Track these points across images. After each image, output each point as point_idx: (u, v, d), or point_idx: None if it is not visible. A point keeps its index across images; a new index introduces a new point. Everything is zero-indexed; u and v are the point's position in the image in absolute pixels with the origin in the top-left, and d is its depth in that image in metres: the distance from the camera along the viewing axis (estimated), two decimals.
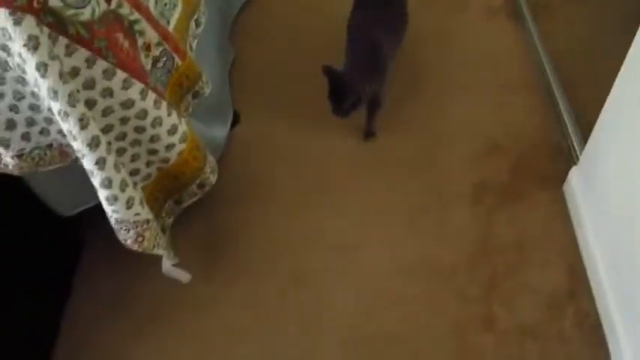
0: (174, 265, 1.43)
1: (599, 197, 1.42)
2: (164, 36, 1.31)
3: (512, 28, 1.99)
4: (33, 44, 0.97)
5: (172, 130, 1.28)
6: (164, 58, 1.34)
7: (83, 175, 1.25)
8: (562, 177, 1.57)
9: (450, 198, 1.62)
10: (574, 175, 1.53)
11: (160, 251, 1.34)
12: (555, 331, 1.36)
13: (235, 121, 1.87)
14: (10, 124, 1.19)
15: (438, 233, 1.57)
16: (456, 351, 1.37)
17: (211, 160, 1.46)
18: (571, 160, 1.59)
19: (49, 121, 1.21)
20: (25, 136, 1.22)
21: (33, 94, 1.13)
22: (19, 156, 1.25)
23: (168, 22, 1.41)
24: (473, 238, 1.54)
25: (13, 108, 1.16)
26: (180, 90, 1.44)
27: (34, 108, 1.18)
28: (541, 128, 1.72)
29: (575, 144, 1.59)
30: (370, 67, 1.65)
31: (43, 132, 1.24)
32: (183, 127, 1.31)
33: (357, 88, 1.58)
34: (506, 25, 2.00)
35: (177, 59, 1.37)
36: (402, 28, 1.78)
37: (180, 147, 1.32)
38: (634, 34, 1.16)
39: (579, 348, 1.33)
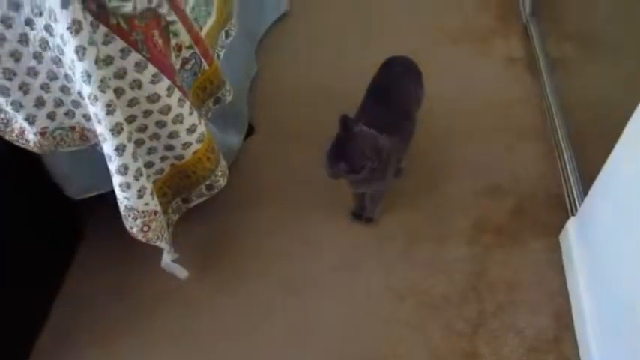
0: (173, 261, 1.47)
1: (592, 250, 1.45)
2: (196, 40, 1.38)
3: (528, 78, 2.05)
4: (76, 28, 1.03)
5: (191, 129, 1.33)
6: (192, 61, 1.40)
7: (97, 162, 1.31)
8: (559, 225, 1.61)
9: (449, 231, 1.66)
10: (571, 226, 1.56)
11: (162, 244, 1.37)
12: None
13: (249, 132, 1.93)
14: (40, 102, 1.24)
15: (433, 264, 1.60)
16: None
17: (223, 164, 1.51)
18: (570, 210, 1.63)
19: (77, 104, 1.26)
20: (51, 115, 1.28)
21: (66, 76, 1.19)
22: (42, 134, 1.30)
23: (201, 29, 1.47)
24: (465, 273, 1.57)
25: (45, 87, 1.22)
26: (203, 94, 1.50)
27: (65, 90, 1.23)
28: (545, 176, 1.76)
29: (575, 196, 1.63)
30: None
31: (69, 114, 1.29)
32: (202, 128, 1.36)
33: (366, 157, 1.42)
34: (524, 74, 2.06)
35: (204, 63, 1.43)
36: (406, 131, 1.62)
37: (196, 146, 1.37)
38: None
39: None
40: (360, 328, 1.49)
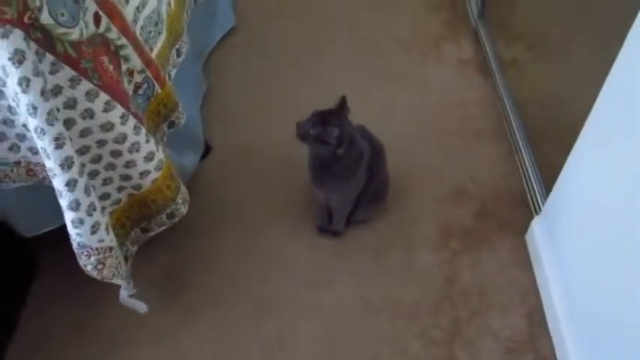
0: (130, 296, 1.39)
1: (558, 247, 1.47)
2: (147, 63, 1.32)
3: (481, 80, 2.07)
4: (18, 58, 0.96)
5: (149, 157, 1.26)
6: (145, 85, 1.34)
7: (47, 196, 1.22)
8: (524, 225, 1.63)
9: (416, 239, 1.65)
10: (536, 225, 1.58)
11: (118, 281, 1.30)
12: None
13: (207, 151, 1.87)
14: None
15: (404, 274, 1.58)
16: None
17: (184, 191, 1.45)
18: (533, 209, 1.64)
19: (22, 137, 1.18)
20: None
21: (9, 108, 1.10)
22: None
23: (152, 49, 1.41)
24: (437, 281, 1.56)
25: None
26: (157, 118, 1.44)
27: (8, 122, 1.15)
28: (506, 177, 1.78)
29: (537, 194, 1.65)
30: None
31: (13, 148, 1.21)
32: (160, 155, 1.29)
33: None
34: (476, 77, 2.09)
35: (157, 87, 1.37)
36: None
37: (154, 175, 1.31)
38: (597, 92, 1.22)
39: None
40: (337, 346, 1.46)
